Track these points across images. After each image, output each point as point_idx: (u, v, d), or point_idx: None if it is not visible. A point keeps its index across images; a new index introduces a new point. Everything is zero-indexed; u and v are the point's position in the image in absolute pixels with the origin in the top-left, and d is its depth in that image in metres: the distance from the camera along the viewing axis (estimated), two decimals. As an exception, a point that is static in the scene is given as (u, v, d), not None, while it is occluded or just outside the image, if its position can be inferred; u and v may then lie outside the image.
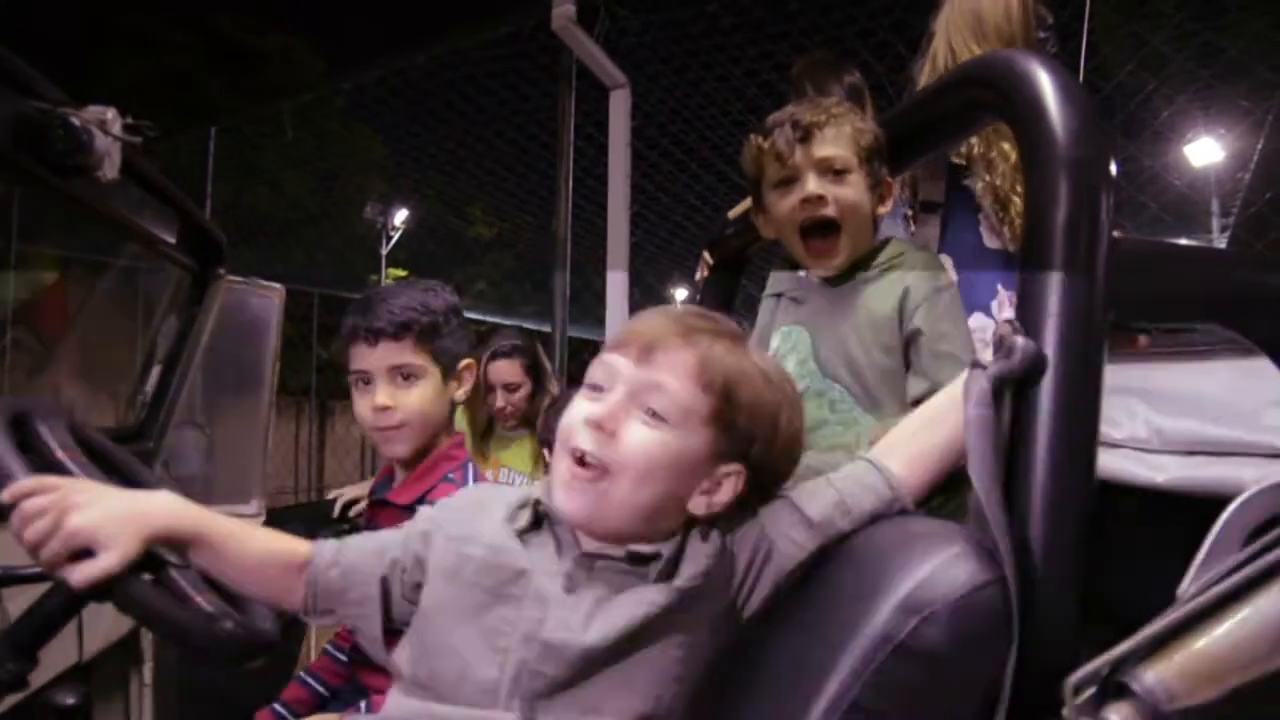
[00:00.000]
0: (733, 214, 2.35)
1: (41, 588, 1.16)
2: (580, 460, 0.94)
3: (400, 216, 15.45)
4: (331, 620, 1.08)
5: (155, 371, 2.24)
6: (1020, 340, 0.90)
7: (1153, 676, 0.73)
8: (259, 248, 11.01)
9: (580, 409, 0.97)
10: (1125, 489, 1.60)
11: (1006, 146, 2.03)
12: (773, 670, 0.95)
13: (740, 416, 0.96)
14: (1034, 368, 0.90)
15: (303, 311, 11.34)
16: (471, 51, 5.72)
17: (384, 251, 15.41)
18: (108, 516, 0.97)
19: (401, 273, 16.53)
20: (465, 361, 1.63)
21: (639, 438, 0.93)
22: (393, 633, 1.05)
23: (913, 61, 2.33)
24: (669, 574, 0.94)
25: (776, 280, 1.53)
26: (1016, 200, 2.04)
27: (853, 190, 1.32)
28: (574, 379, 5.10)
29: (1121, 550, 1.31)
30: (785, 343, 1.42)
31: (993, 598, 0.82)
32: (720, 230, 2.05)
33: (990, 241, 2.10)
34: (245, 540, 1.07)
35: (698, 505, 0.97)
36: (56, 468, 1.10)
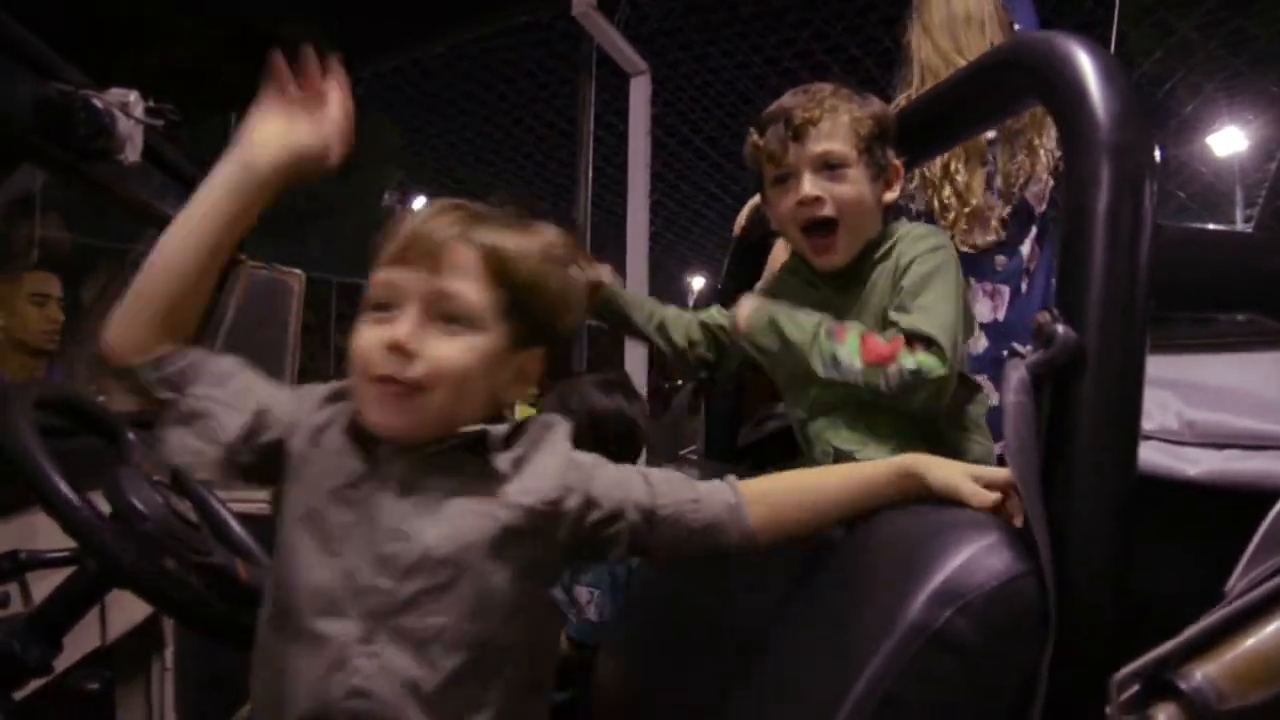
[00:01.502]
0: (748, 206, 2.33)
1: (65, 572, 1.16)
2: (387, 381, 0.91)
3: (418, 204, 15.44)
4: (171, 395, 0.96)
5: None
6: (1060, 329, 0.88)
7: (1201, 676, 0.71)
8: (277, 235, 11.03)
9: (372, 334, 0.92)
10: (1155, 482, 1.57)
11: None
12: (803, 657, 0.94)
13: (530, 300, 0.95)
14: (1074, 357, 0.87)
15: (321, 299, 11.37)
16: (490, 39, 5.70)
17: (401, 240, 15.39)
18: None
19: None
20: None
21: (444, 350, 0.91)
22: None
23: (896, 70, 2.31)
24: (513, 464, 0.94)
25: (792, 260, 1.50)
26: (945, 188, 2.06)
27: (851, 186, 1.29)
28: (593, 364, 5.10)
29: (1152, 544, 1.29)
30: None
31: (1029, 589, 0.80)
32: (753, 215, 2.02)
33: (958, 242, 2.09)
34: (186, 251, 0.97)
35: (509, 394, 0.99)
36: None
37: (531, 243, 0.97)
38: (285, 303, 2.64)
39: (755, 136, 1.35)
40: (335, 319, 12.12)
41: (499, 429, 0.95)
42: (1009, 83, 1.09)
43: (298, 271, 2.67)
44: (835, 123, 1.29)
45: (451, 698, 0.90)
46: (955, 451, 1.28)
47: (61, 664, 1.19)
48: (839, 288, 1.36)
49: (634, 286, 3.75)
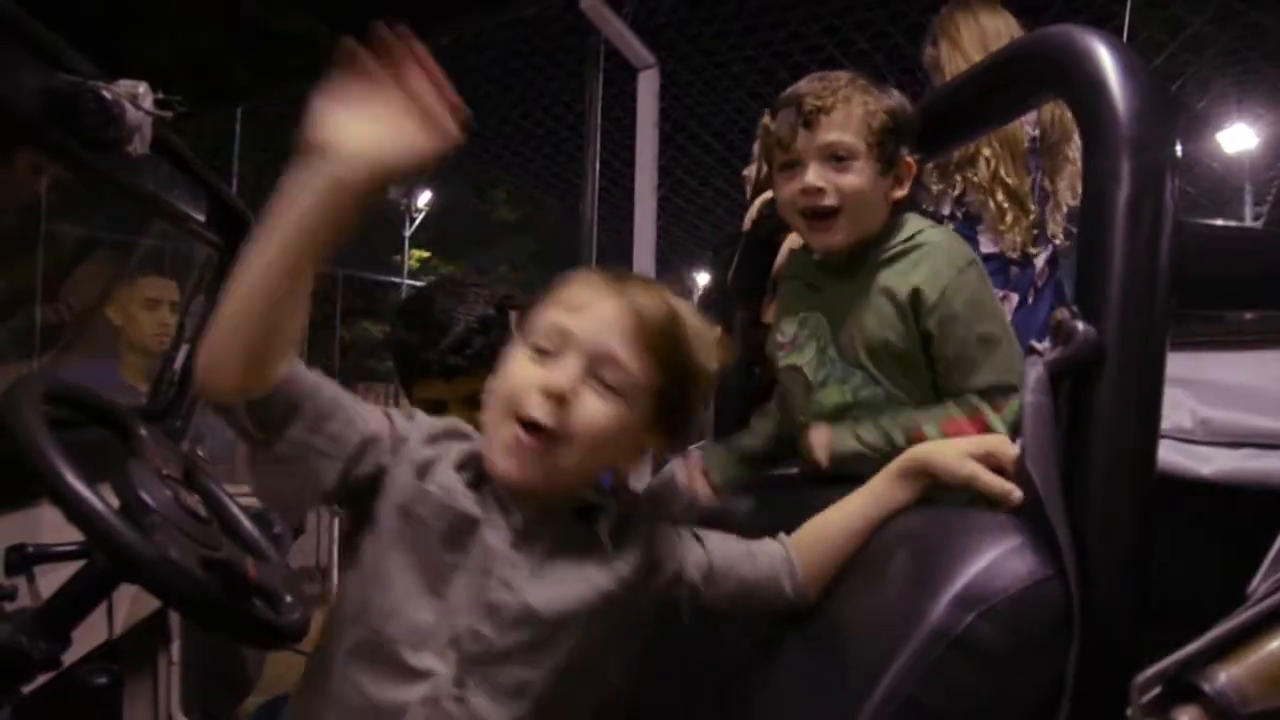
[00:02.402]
0: (758, 202, 2.32)
1: (73, 566, 1.16)
2: (531, 427, 0.90)
3: (423, 198, 15.46)
4: (266, 435, 0.89)
5: (183, 350, 2.23)
6: (1080, 326, 0.87)
7: (1225, 678, 0.70)
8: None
9: (531, 374, 0.92)
10: (1169, 481, 1.56)
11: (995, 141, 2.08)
12: (823, 659, 0.93)
13: (677, 388, 0.96)
14: (1093, 356, 0.86)
15: (325, 292, 11.38)
16: (497, 32, 5.68)
17: (406, 234, 15.43)
18: None
19: (424, 254, 16.57)
20: None
21: (594, 411, 0.91)
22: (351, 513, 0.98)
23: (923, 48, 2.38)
24: (616, 538, 0.96)
25: (793, 262, 1.49)
26: (998, 192, 2.09)
27: (857, 177, 1.26)
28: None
29: (1166, 544, 1.28)
30: (804, 329, 1.38)
31: (1054, 592, 0.79)
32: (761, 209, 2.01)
33: (987, 246, 2.12)
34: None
35: (626, 467, 1.03)
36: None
37: (701, 332, 0.99)
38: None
39: (768, 119, 1.34)
40: (340, 313, 12.14)
41: (612, 506, 0.99)
42: (1027, 76, 1.08)
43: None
44: (848, 113, 1.26)
45: None
46: None
47: (69, 658, 1.18)
48: (840, 281, 1.34)
49: (641, 281, 3.73)
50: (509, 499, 0.95)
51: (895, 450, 1.19)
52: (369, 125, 0.82)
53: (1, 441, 1.03)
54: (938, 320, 1.24)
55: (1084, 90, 0.94)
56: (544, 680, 0.92)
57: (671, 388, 0.95)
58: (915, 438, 1.19)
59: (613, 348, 0.92)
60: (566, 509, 0.96)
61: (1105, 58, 0.92)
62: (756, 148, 3.11)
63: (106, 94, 1.29)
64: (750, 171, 3.14)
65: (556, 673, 0.92)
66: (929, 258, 1.27)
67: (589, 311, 0.93)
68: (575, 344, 0.92)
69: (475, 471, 0.96)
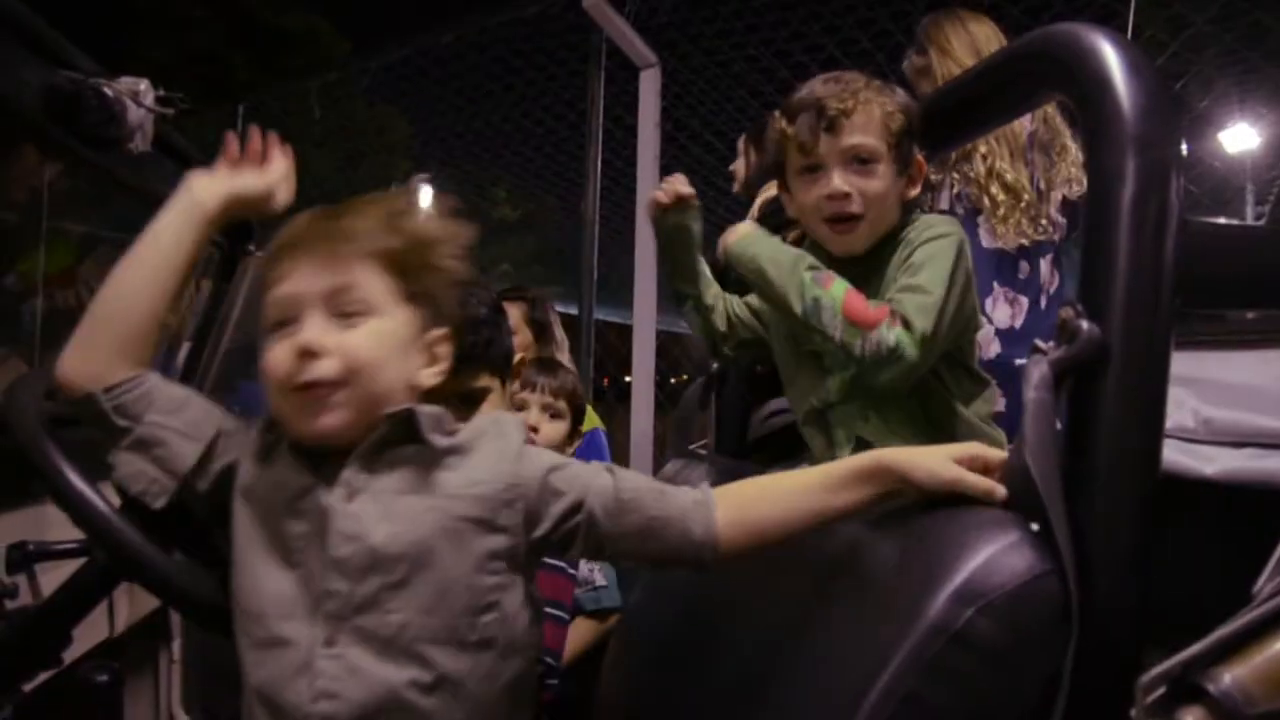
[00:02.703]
0: (760, 200, 2.32)
1: (72, 564, 1.16)
2: (307, 386, 0.93)
3: (425, 196, 15.43)
4: (126, 423, 0.98)
5: (185, 348, 2.23)
6: (1084, 325, 0.86)
7: (1230, 679, 0.70)
8: (284, 226, 11.00)
9: (280, 348, 0.95)
10: (1171, 480, 1.56)
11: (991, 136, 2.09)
12: (822, 654, 0.93)
13: (426, 283, 1.00)
14: (1097, 354, 0.86)
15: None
16: (499, 30, 5.67)
17: (408, 232, 15.39)
18: None
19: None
20: (519, 356, 1.61)
21: (351, 341, 0.95)
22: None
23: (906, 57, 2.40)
24: (457, 452, 0.96)
25: (811, 253, 1.49)
26: (992, 186, 2.10)
27: (880, 181, 1.27)
28: (600, 362, 5.08)
29: (1168, 543, 1.28)
30: None
31: (1051, 588, 0.79)
32: (765, 207, 2.01)
33: (988, 242, 2.13)
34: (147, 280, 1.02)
35: (426, 378, 1.01)
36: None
37: (418, 227, 1.02)
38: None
39: (783, 123, 1.32)
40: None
41: (427, 409, 0.97)
42: (1032, 74, 1.07)
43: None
44: (869, 116, 1.26)
45: (423, 694, 0.90)
46: (960, 439, 1.27)
47: (70, 656, 1.18)
48: (852, 274, 1.34)
49: (642, 281, 3.73)
50: (334, 455, 0.96)
51: (784, 274, 1.25)
52: (227, 173, 1.07)
53: (3, 439, 1.03)
54: (903, 256, 1.26)
55: (1089, 88, 0.93)
56: (417, 618, 0.91)
57: (418, 280, 0.99)
58: (821, 280, 1.23)
59: (331, 283, 0.95)
60: (392, 435, 0.96)
61: (1110, 56, 0.92)
62: (741, 143, 3.12)
63: (108, 91, 1.29)
64: (737, 167, 3.14)
65: (427, 608, 0.91)
66: (919, 224, 1.30)
67: (296, 268, 0.97)
68: (300, 302, 0.95)
69: (301, 448, 0.99)
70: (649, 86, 3.93)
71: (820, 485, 0.99)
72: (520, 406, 2.02)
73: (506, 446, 0.99)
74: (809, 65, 4.65)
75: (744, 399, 1.92)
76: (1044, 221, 2.17)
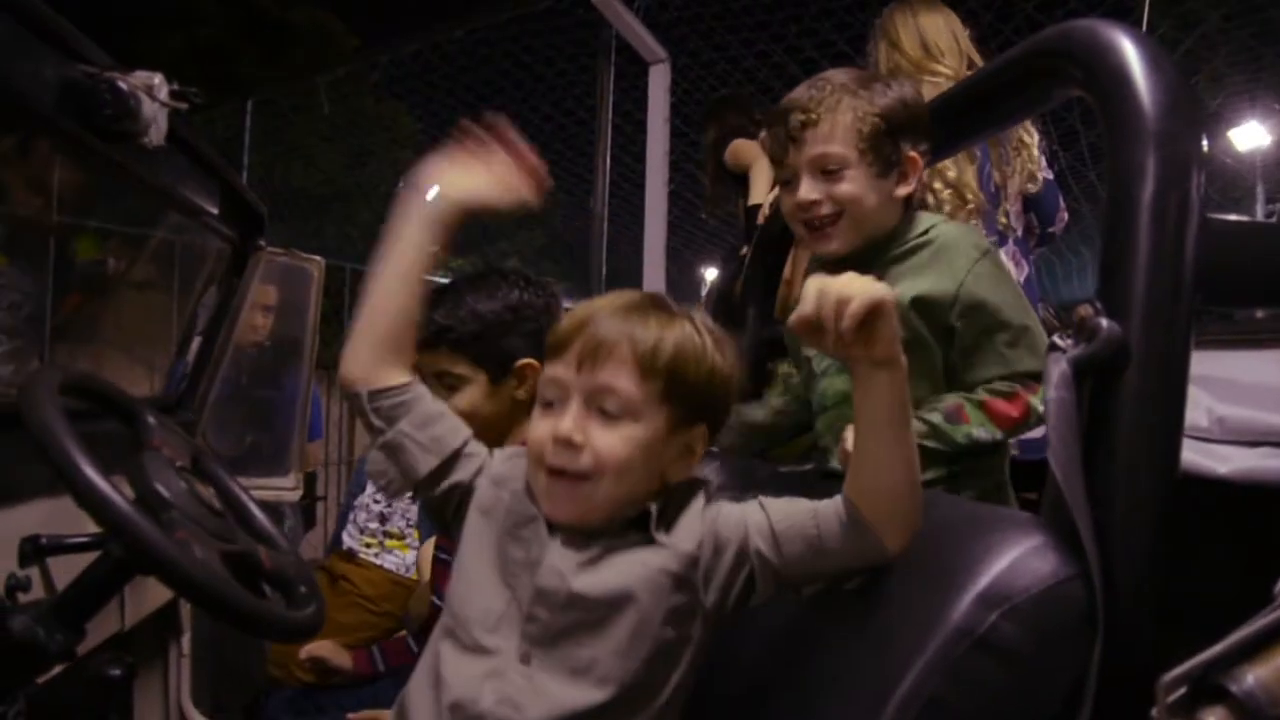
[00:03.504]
0: (768, 200, 2.31)
1: (87, 557, 1.16)
2: (556, 473, 0.99)
3: (432, 193, 15.44)
4: (382, 425, 1.09)
5: (195, 342, 2.23)
6: (1103, 323, 0.86)
7: (1253, 679, 0.69)
8: (292, 222, 11.05)
9: (542, 427, 1.01)
10: (1185, 480, 1.55)
11: None
12: (841, 658, 0.92)
13: (686, 384, 1.01)
14: (1117, 353, 0.85)
15: (335, 286, 11.39)
16: (508, 25, 5.67)
17: (416, 227, 15.40)
18: None
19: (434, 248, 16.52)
20: (524, 360, 1.57)
21: (606, 441, 0.98)
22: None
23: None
24: (665, 528, 1.00)
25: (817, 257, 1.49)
26: (935, 181, 2.07)
27: (850, 185, 1.27)
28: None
29: (1183, 543, 1.27)
30: None
31: (1077, 592, 0.78)
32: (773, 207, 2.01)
33: None
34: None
35: (675, 472, 1.04)
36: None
37: (679, 332, 1.02)
38: (305, 289, 2.63)
39: (763, 134, 1.35)
40: (350, 306, 12.14)
41: (659, 504, 1.02)
42: (1049, 71, 1.06)
43: (318, 258, 2.67)
44: (834, 123, 1.27)
45: None
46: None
47: (82, 649, 1.18)
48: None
49: (651, 275, 3.73)
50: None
51: (935, 434, 1.19)
52: (462, 175, 1.14)
53: (19, 432, 1.03)
54: (960, 312, 1.23)
55: (1108, 84, 0.92)
56: (609, 659, 0.96)
57: (678, 385, 1.00)
58: (959, 418, 1.20)
59: (601, 380, 0.98)
60: (616, 527, 1.01)
61: (1130, 51, 0.92)
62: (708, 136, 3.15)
63: (122, 85, 1.29)
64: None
65: (620, 653, 0.96)
66: (941, 256, 1.27)
67: (579, 360, 1.00)
68: (570, 389, 1.00)
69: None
70: (658, 82, 3.92)
71: (872, 396, 0.94)
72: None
73: (694, 512, 1.03)
74: (819, 61, 4.64)
75: (753, 386, 1.91)
76: (1001, 222, 2.14)
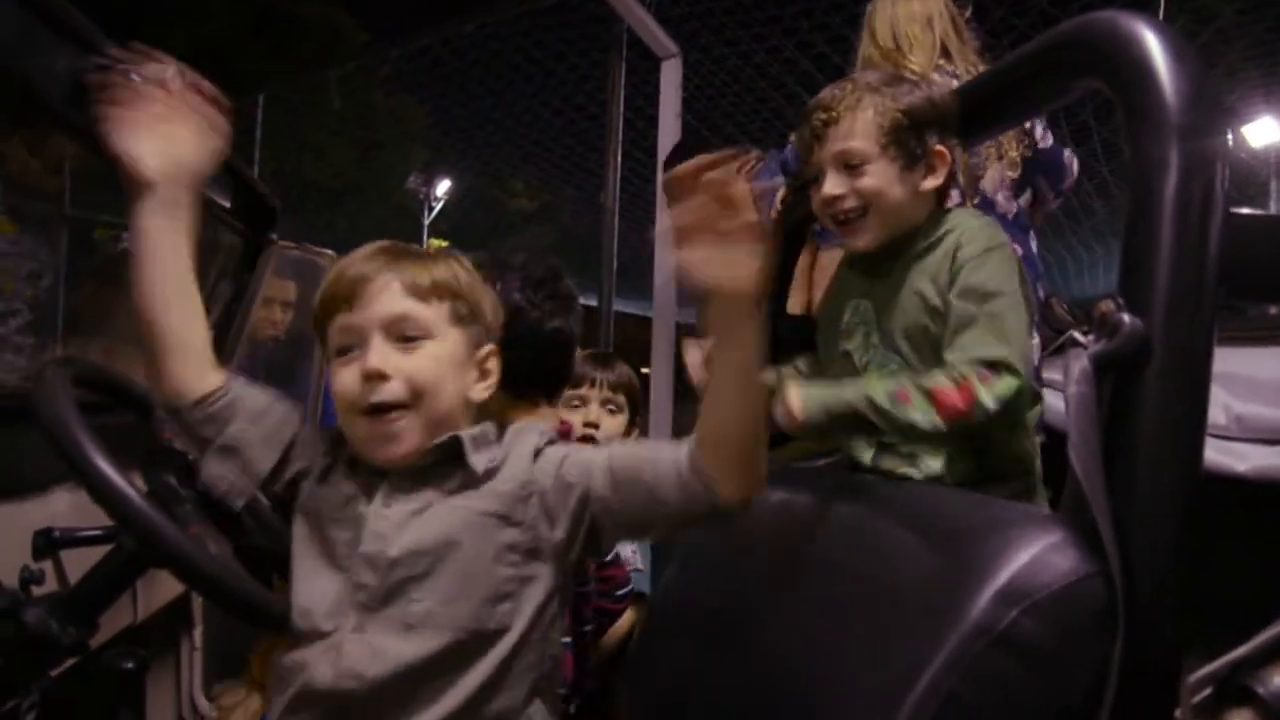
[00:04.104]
0: (781, 192, 2.30)
1: (99, 550, 1.16)
2: (378, 409, 1.02)
3: (442, 187, 15.49)
4: (211, 433, 1.07)
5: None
6: (1126, 318, 0.85)
7: None
8: (303, 216, 11.08)
9: (348, 372, 1.04)
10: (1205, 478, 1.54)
11: None
12: (859, 653, 0.91)
13: (467, 303, 1.09)
14: (1139, 348, 0.84)
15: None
16: (519, 20, 5.66)
17: (426, 222, 15.46)
18: None
19: (443, 243, 16.61)
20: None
21: (413, 364, 1.03)
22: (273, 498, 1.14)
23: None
24: (483, 465, 1.04)
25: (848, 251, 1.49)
26: None
27: (872, 179, 1.29)
28: (619, 348, 5.06)
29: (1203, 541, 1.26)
30: (854, 315, 1.38)
31: (1097, 589, 0.77)
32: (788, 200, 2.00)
33: None
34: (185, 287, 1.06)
35: (478, 392, 1.10)
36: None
37: (440, 264, 1.09)
38: (316, 282, 2.63)
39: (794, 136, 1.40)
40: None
41: (471, 431, 1.06)
42: (1069, 63, 1.05)
43: (329, 252, 2.67)
44: (855, 120, 1.29)
45: (442, 676, 0.97)
46: (997, 444, 1.26)
47: (94, 642, 1.18)
48: (887, 270, 1.34)
49: (661, 272, 3.72)
50: (381, 470, 1.05)
51: (877, 413, 1.19)
52: (159, 143, 1.03)
53: (32, 425, 1.03)
54: (956, 293, 1.24)
55: (1130, 76, 0.91)
56: (441, 607, 0.98)
57: (460, 304, 1.07)
58: (902, 401, 1.18)
59: (393, 309, 1.04)
60: (439, 454, 1.04)
61: (1152, 42, 0.90)
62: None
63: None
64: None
65: (450, 597, 0.98)
66: (962, 237, 1.28)
67: (359, 298, 1.04)
68: (364, 329, 1.04)
69: (347, 464, 1.09)
70: (670, 77, 3.91)
71: (716, 356, 0.97)
72: (579, 403, 2.01)
73: (524, 449, 1.07)
74: (831, 57, 4.63)
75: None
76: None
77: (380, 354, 1.02)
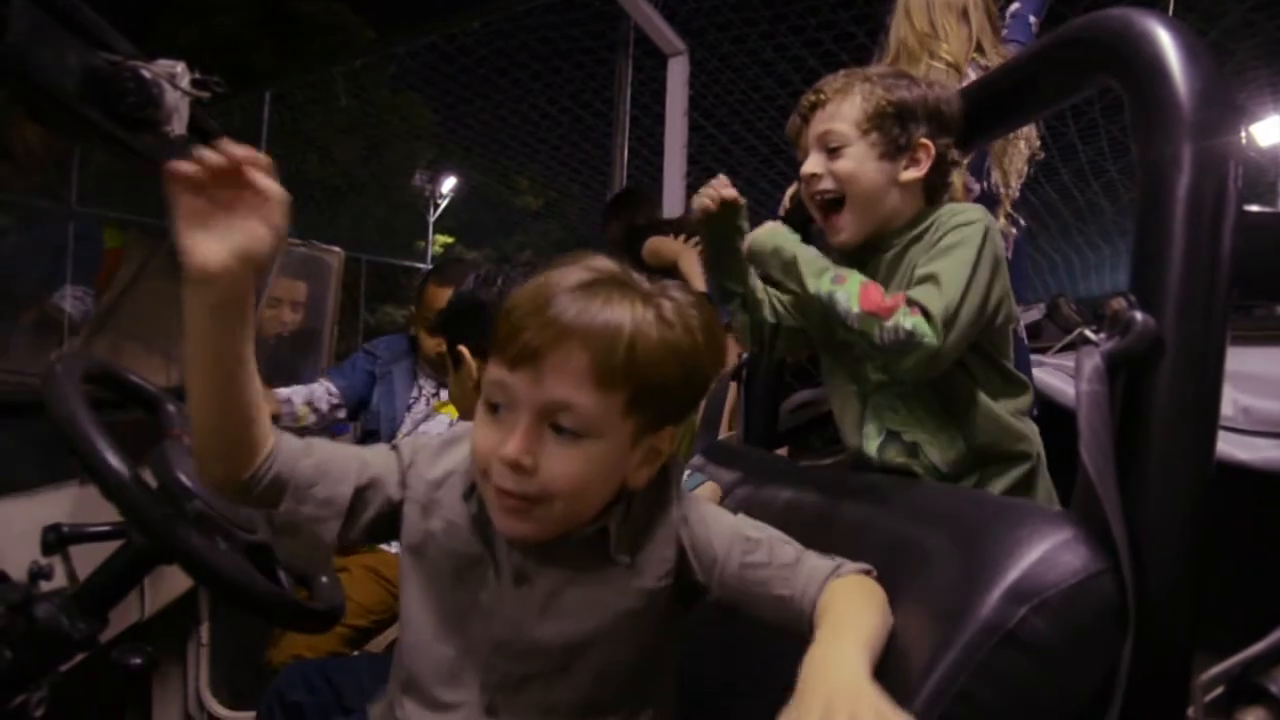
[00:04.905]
0: (793, 187, 2.30)
1: (110, 546, 1.16)
2: (505, 493, 0.88)
3: (448, 184, 15.51)
4: (267, 508, 0.95)
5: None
6: (1138, 316, 0.84)
7: (1293, 679, 0.68)
8: (308, 213, 11.09)
9: (488, 439, 0.89)
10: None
11: None
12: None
13: (653, 389, 0.87)
14: (1151, 346, 0.84)
15: (351, 277, 11.44)
16: (526, 17, 5.66)
17: (431, 219, 15.48)
18: None
19: (449, 239, 16.62)
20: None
21: (560, 465, 0.86)
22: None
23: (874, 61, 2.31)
24: (628, 550, 0.94)
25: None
26: None
27: (849, 162, 1.29)
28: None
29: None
30: None
31: (1107, 587, 0.77)
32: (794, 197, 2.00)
33: None
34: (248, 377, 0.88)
35: (638, 478, 0.93)
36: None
37: (649, 326, 0.87)
38: (324, 279, 2.64)
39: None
40: (366, 297, 12.20)
41: (617, 518, 0.94)
42: (1080, 61, 1.05)
43: (336, 249, 2.67)
44: (840, 104, 1.30)
45: None
46: (996, 443, 1.26)
47: (102, 638, 1.18)
48: (873, 270, 1.33)
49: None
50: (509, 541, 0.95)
51: (814, 274, 1.24)
52: (219, 239, 0.82)
53: (42, 420, 1.03)
54: (929, 253, 1.24)
55: (1142, 73, 0.91)
56: (576, 697, 0.95)
57: (645, 392, 0.87)
58: (839, 280, 1.22)
59: (558, 396, 0.85)
60: (575, 541, 0.93)
61: (1166, 40, 0.90)
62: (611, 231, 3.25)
63: (145, 73, 1.29)
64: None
65: (585, 690, 0.95)
66: (946, 213, 1.28)
67: (528, 364, 0.86)
68: (521, 401, 0.86)
69: (480, 502, 0.95)
70: (677, 74, 3.92)
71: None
72: None
73: (667, 529, 0.97)
74: (838, 54, 4.62)
75: (773, 390, 1.90)
76: (1002, 224, 2.12)
77: (526, 442, 0.86)
